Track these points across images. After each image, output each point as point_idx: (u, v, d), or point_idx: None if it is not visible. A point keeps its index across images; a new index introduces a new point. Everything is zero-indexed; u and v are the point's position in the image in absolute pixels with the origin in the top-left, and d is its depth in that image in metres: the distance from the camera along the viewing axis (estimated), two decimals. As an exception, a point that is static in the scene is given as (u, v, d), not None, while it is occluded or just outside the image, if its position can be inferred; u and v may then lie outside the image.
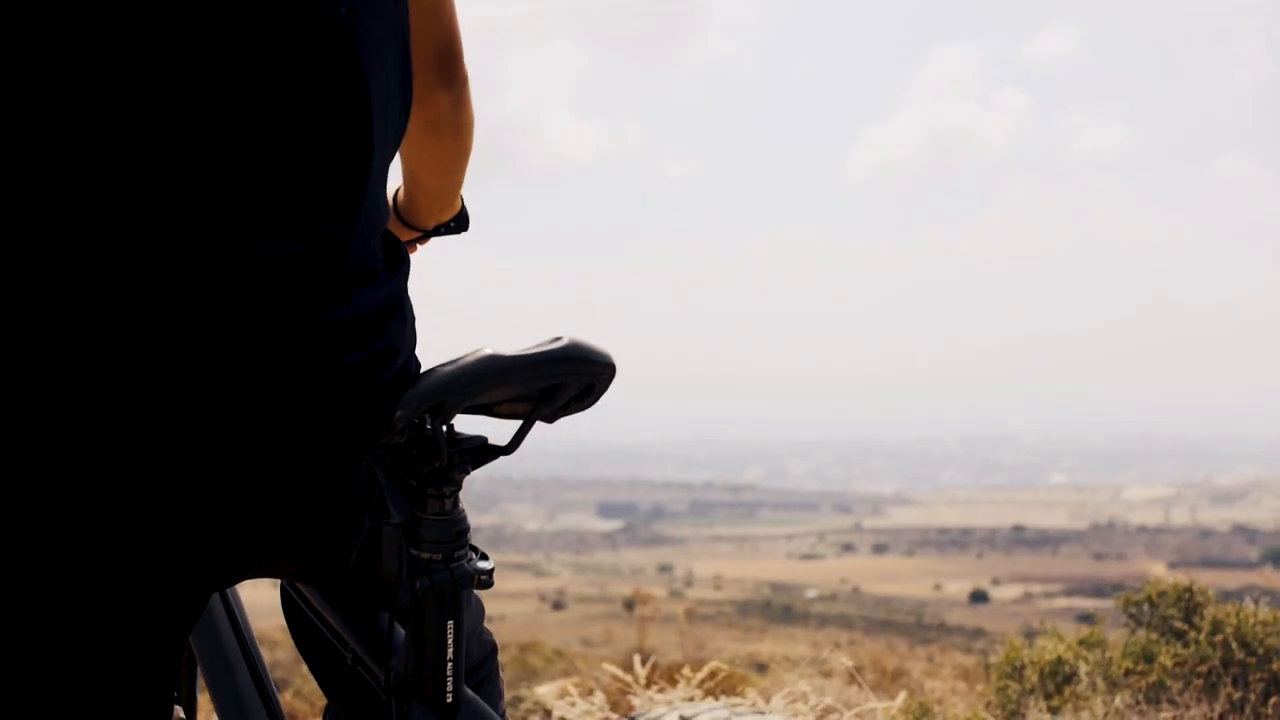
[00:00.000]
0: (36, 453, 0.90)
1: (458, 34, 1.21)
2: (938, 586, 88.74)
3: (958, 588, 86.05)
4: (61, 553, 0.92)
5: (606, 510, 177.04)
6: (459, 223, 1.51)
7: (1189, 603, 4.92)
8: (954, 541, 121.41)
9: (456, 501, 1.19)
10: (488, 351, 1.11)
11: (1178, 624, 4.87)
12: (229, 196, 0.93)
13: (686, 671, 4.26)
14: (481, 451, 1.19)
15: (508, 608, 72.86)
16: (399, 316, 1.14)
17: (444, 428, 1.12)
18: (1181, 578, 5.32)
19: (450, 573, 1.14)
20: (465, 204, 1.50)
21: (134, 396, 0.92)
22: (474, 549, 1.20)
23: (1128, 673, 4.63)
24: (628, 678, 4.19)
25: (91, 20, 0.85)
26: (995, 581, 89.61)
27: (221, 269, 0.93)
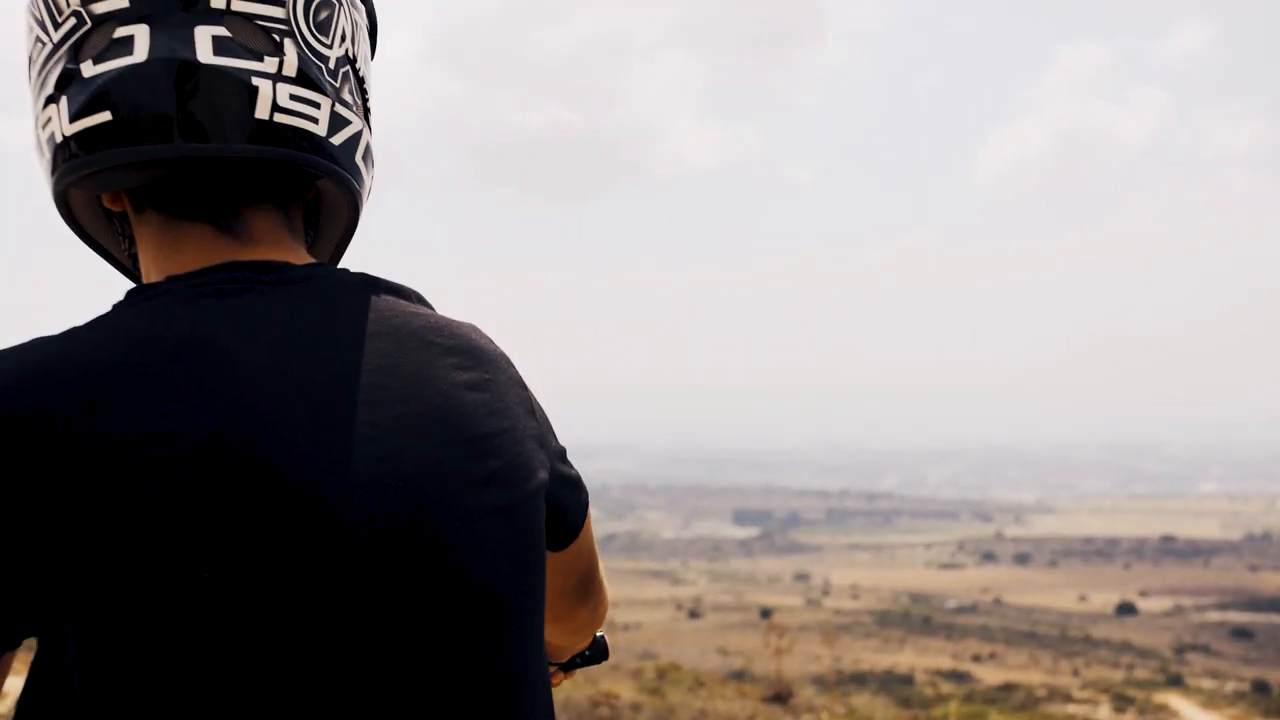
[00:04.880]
0: None
1: (596, 559, 1.25)
2: (1083, 598, 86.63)
3: (1104, 599, 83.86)
4: None
5: (742, 517, 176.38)
6: (595, 652, 1.47)
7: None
8: (1099, 552, 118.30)
9: None
10: None
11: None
12: None
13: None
14: None
15: (644, 615, 72.97)
16: None
17: None
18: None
19: None
20: (602, 635, 1.48)
21: None
22: None
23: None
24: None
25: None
26: (1143, 593, 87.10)
27: None
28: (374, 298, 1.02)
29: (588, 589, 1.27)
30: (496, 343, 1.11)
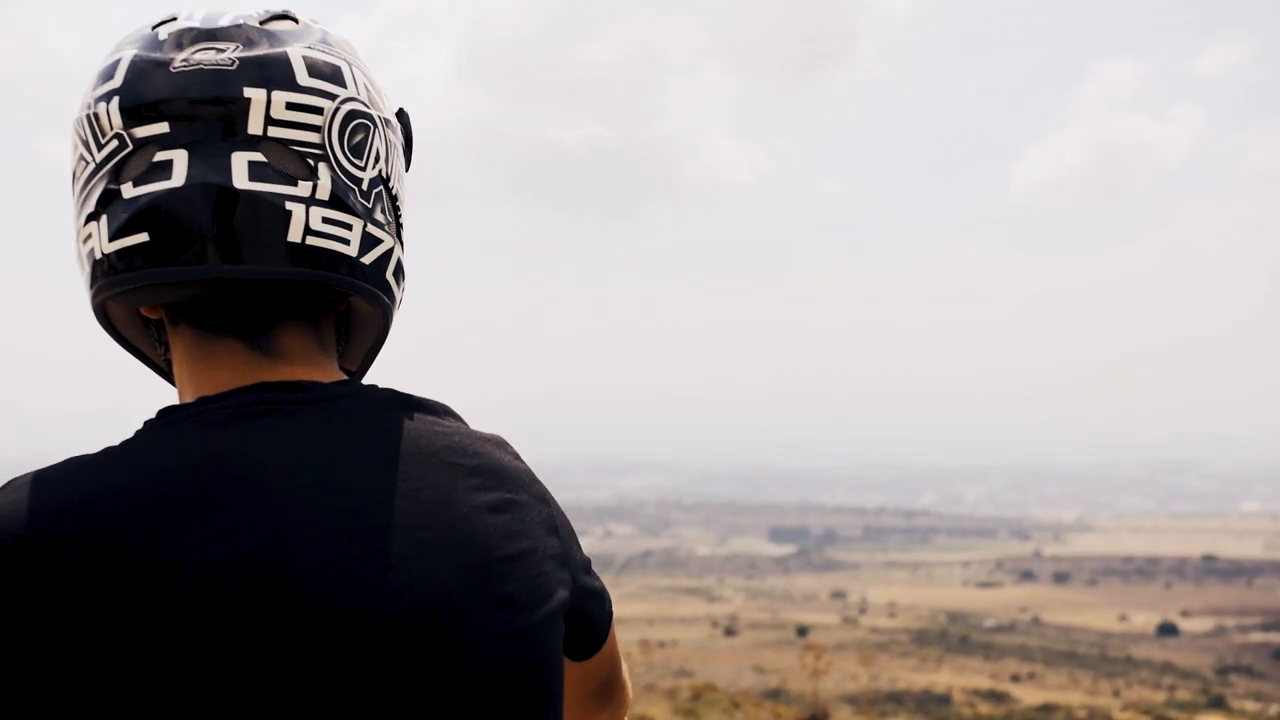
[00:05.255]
0: None
1: (619, 662, 1.27)
2: (1123, 617, 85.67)
3: (1144, 619, 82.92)
4: None
5: (778, 534, 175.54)
6: None
7: None
8: (1140, 571, 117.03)
9: None
10: None
11: None
12: None
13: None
14: None
15: (680, 633, 72.63)
16: None
17: None
18: None
19: None
20: None
21: None
22: None
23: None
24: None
25: None
26: (1185, 614, 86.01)
27: None
28: (398, 416, 1.04)
29: (608, 692, 1.29)
30: (521, 458, 1.13)
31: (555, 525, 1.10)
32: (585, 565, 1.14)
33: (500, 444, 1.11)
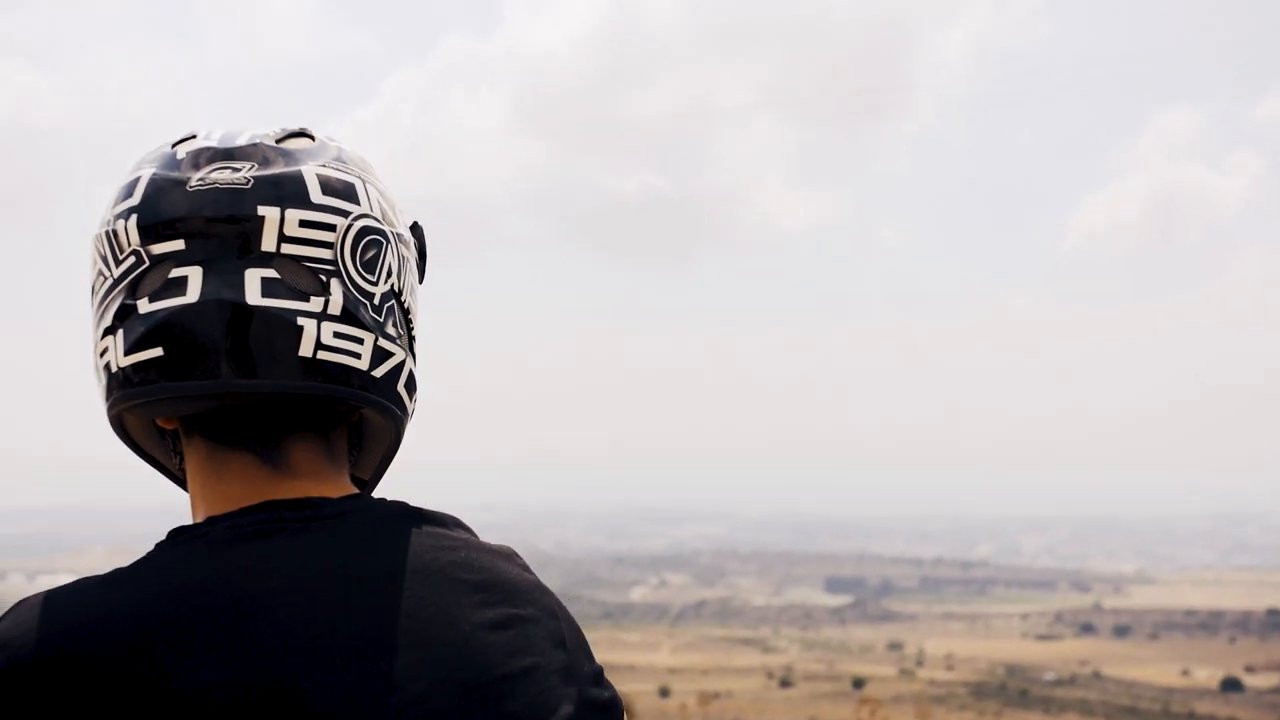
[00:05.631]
0: None
1: None
2: (1186, 672, 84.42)
3: (1208, 674, 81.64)
4: None
5: (834, 585, 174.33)
6: None
7: None
8: (1203, 625, 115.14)
9: None
10: None
11: None
12: None
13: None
14: None
15: (735, 684, 72.54)
16: None
17: None
18: None
19: None
20: None
21: None
22: None
23: None
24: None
25: None
26: (1249, 669, 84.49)
27: None
28: (405, 531, 1.05)
29: None
30: (530, 570, 1.13)
31: (563, 639, 1.09)
32: (595, 677, 1.13)
33: (508, 556, 1.11)
